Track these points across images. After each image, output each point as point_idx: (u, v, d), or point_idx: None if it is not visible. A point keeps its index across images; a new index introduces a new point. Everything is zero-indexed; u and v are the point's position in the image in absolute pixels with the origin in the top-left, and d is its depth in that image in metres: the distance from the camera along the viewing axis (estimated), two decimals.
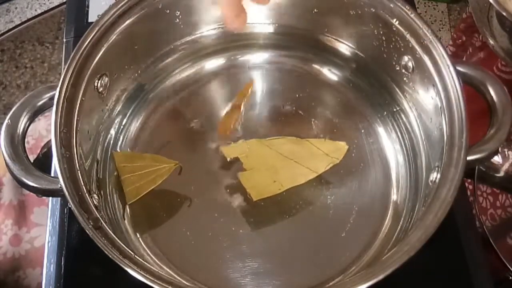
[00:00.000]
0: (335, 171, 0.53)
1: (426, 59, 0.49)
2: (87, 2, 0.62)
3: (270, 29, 0.59)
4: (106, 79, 0.51)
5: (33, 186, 0.44)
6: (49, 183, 0.44)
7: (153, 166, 0.51)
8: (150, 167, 0.51)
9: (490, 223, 0.60)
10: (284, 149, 0.53)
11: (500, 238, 0.59)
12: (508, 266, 0.58)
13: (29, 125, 0.47)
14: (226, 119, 0.56)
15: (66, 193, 0.42)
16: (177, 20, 0.55)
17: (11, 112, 0.46)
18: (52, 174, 0.51)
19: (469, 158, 0.44)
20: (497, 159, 0.65)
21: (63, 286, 0.48)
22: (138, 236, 0.50)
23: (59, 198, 0.52)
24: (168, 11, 0.53)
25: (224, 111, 0.57)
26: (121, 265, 0.40)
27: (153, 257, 0.49)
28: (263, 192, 0.51)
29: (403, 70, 0.53)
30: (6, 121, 0.46)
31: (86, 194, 0.44)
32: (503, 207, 0.62)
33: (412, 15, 0.49)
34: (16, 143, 0.45)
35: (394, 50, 0.52)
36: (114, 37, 0.50)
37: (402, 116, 0.55)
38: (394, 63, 0.53)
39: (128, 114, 0.56)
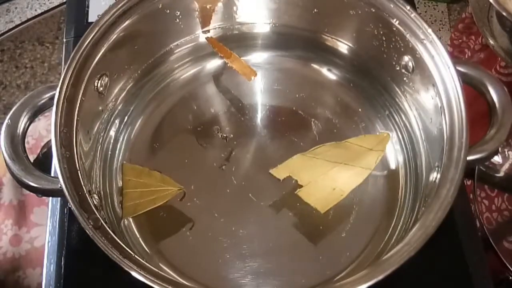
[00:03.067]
0: None
1: (426, 59, 0.49)
2: (87, 2, 0.62)
3: (270, 29, 0.59)
4: (106, 79, 0.51)
5: (33, 186, 0.44)
6: (49, 183, 0.44)
7: (157, 186, 0.51)
8: (154, 187, 0.51)
9: (486, 227, 0.60)
10: (329, 155, 0.52)
11: (498, 241, 0.59)
12: (508, 266, 0.58)
13: (29, 125, 0.47)
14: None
15: (66, 193, 0.42)
16: (177, 20, 0.55)
17: (11, 112, 0.46)
18: (52, 174, 0.51)
19: (469, 158, 0.44)
20: (497, 159, 0.65)
21: (63, 286, 0.48)
22: (138, 236, 0.50)
23: (59, 198, 0.52)
24: (168, 11, 0.54)
25: (224, 110, 0.57)
26: (121, 265, 0.40)
27: (153, 257, 0.49)
28: (328, 202, 0.51)
29: (403, 70, 0.53)
30: (6, 121, 0.46)
31: (86, 194, 0.44)
32: (499, 210, 0.62)
33: (412, 15, 0.49)
34: (16, 143, 0.45)
35: (394, 50, 0.52)
36: (114, 37, 0.50)
37: (402, 116, 0.55)
38: (394, 63, 0.53)
39: (128, 114, 0.56)
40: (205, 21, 0.57)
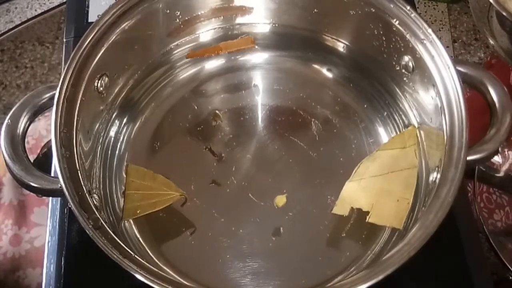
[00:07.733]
0: (335, 171, 0.53)
1: (426, 59, 0.49)
2: (87, 2, 0.62)
3: (270, 29, 0.59)
4: (106, 79, 0.51)
5: (33, 186, 0.44)
6: (49, 183, 0.44)
7: (159, 190, 0.51)
8: (156, 190, 0.51)
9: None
10: (373, 171, 0.51)
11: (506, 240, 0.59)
12: (509, 266, 0.58)
13: (29, 125, 0.47)
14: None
15: (66, 193, 0.42)
16: (177, 20, 0.55)
17: (11, 112, 0.46)
18: (52, 174, 0.50)
19: (469, 158, 0.44)
20: (497, 159, 0.65)
21: (63, 286, 0.48)
22: (138, 236, 0.50)
23: (59, 198, 0.52)
24: (168, 11, 0.54)
25: (224, 110, 0.57)
26: (121, 265, 0.40)
27: (153, 257, 0.49)
28: (400, 215, 0.49)
29: (403, 70, 0.53)
30: (6, 121, 0.46)
31: (86, 194, 0.44)
32: None
33: (412, 15, 0.49)
34: (16, 143, 0.45)
35: (394, 50, 0.52)
36: (114, 37, 0.50)
37: (402, 116, 0.55)
38: (394, 63, 0.53)
39: (128, 114, 0.56)
40: (186, 28, 0.56)
